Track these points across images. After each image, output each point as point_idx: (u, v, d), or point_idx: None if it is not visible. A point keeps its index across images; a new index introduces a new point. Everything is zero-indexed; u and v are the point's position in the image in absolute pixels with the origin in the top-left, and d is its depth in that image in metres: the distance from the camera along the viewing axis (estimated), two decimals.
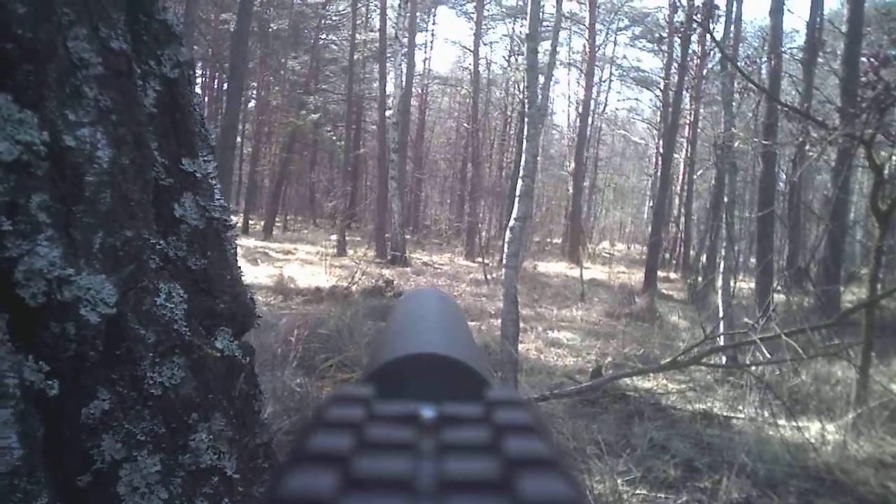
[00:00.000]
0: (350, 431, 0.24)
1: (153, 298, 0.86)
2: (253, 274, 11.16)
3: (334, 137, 24.99)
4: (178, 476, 0.85)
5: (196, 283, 0.89)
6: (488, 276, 13.68)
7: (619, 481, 4.39)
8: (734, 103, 11.12)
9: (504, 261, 5.82)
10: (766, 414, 6.15)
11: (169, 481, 0.84)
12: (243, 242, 16.53)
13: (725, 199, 10.38)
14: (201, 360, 0.89)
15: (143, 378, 0.84)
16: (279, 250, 16.31)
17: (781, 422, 5.93)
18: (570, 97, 32.32)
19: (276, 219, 22.80)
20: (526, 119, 6.31)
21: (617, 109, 39.30)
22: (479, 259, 15.92)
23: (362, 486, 0.21)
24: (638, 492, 4.44)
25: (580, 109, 26.16)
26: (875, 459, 5.43)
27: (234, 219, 1.00)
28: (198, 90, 1.10)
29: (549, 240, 29.43)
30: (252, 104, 27.48)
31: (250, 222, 21.62)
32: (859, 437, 5.76)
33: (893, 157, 9.54)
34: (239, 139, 22.31)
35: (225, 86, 24.08)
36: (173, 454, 0.85)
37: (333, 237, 18.14)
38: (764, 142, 11.06)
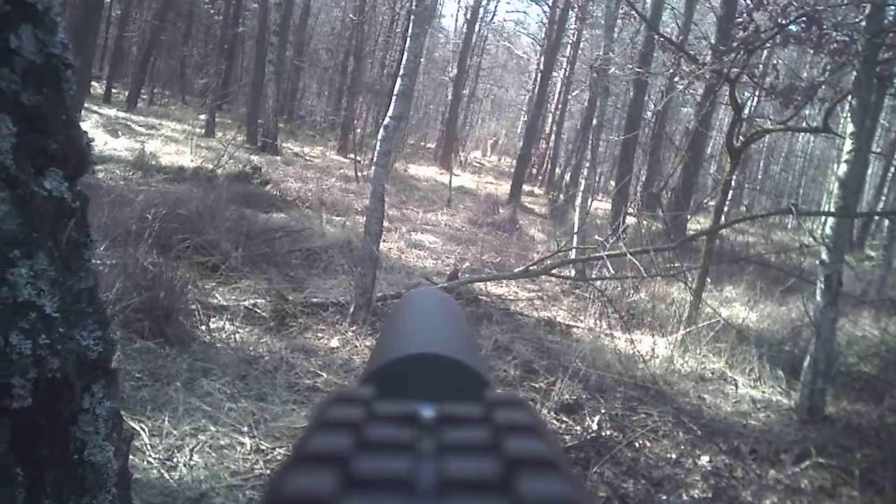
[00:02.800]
0: (350, 431, 0.24)
1: None
2: (112, 146, 10.61)
3: (212, 11, 23.61)
4: None
5: (28, 119, 0.84)
6: (359, 174, 13.60)
7: None
8: (615, 28, 11.32)
9: (375, 158, 5.81)
10: (604, 325, 6.54)
11: None
12: (104, 112, 15.64)
13: (595, 122, 10.67)
14: (27, 198, 0.87)
15: None
16: (143, 124, 15.48)
17: (617, 333, 6.33)
18: (460, 1, 31.93)
19: (143, 90, 21.52)
20: (412, 17, 6.21)
21: (505, 20, 39.26)
22: (352, 155, 15.76)
23: (362, 486, 0.21)
24: None
25: (468, 15, 25.93)
26: (696, 374, 5.91)
27: (75, 61, 0.96)
28: None
29: (423, 143, 29.44)
30: None
31: (113, 91, 20.28)
32: (685, 353, 6.23)
33: (753, 99, 10.01)
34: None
35: None
36: None
37: (202, 117, 17.41)
38: (637, 69, 11.37)
